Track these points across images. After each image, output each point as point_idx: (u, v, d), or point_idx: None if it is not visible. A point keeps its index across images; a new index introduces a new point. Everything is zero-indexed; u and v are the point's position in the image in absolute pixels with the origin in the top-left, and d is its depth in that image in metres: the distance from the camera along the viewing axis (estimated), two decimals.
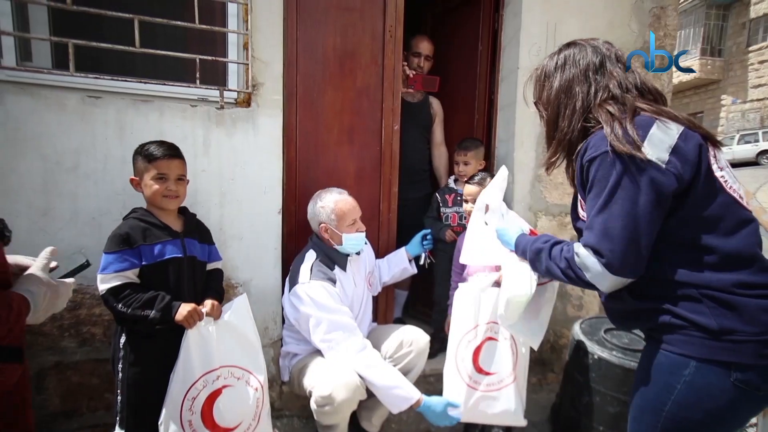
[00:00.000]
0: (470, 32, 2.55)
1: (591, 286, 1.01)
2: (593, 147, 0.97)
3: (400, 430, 2.01)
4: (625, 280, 0.96)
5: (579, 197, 1.09)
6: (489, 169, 2.50)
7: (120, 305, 1.36)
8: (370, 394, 1.81)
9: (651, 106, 0.99)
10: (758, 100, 14.79)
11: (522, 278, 1.30)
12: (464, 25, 2.61)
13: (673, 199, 0.92)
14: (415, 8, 2.75)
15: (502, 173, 1.57)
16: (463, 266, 1.94)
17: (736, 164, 12.50)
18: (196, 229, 1.61)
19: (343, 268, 1.81)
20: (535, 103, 1.19)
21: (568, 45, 1.13)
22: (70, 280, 1.09)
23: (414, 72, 2.42)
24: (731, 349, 0.90)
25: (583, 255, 0.99)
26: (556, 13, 2.24)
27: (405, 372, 1.79)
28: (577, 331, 1.94)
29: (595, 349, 1.79)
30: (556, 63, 1.11)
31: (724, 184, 0.95)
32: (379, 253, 2.25)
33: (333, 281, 1.73)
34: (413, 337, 1.80)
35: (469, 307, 1.70)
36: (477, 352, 1.70)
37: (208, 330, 1.46)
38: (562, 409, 1.98)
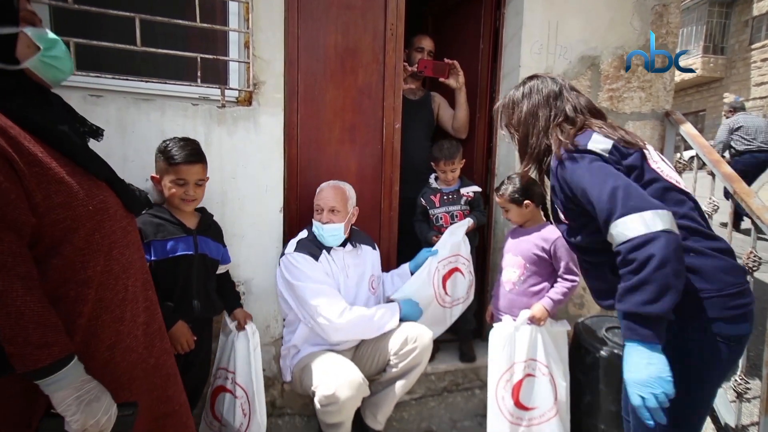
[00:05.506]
0: (471, 30, 2.54)
1: (652, 243, 0.96)
2: (557, 167, 1.17)
3: (402, 428, 2.01)
4: (655, 213, 0.98)
5: (556, 205, 1.27)
6: (491, 168, 2.49)
7: None
8: (374, 392, 1.81)
9: (597, 122, 1.20)
10: (761, 98, 14.72)
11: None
12: (465, 24, 2.61)
13: None
14: (416, 7, 2.75)
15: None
16: (501, 258, 1.98)
17: None
18: (211, 228, 1.63)
19: (329, 252, 1.85)
20: (506, 126, 1.37)
21: (531, 78, 1.33)
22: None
23: (416, 68, 2.40)
24: (702, 305, 1.03)
25: (619, 227, 1.00)
26: (558, 11, 2.23)
27: (409, 368, 1.79)
28: (578, 329, 1.94)
29: (597, 348, 1.79)
30: (523, 92, 1.30)
31: (660, 173, 1.13)
32: (380, 252, 2.25)
33: (315, 257, 1.79)
34: (417, 334, 1.80)
35: (504, 347, 1.75)
36: (516, 389, 1.74)
37: (254, 338, 1.69)
38: None
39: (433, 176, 2.29)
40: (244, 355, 1.65)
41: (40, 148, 0.89)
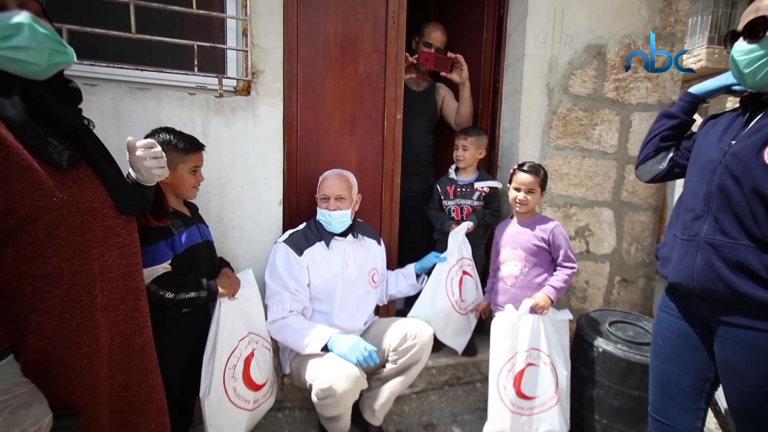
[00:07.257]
0: (475, 18, 2.49)
1: None
2: None
3: (402, 421, 2.01)
4: None
5: None
6: (494, 160, 2.46)
7: (167, 293, 1.38)
8: (373, 387, 1.80)
9: None
10: None
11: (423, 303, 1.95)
12: (469, 11, 2.55)
13: None
14: None
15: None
16: (497, 254, 1.96)
17: None
18: (200, 215, 1.66)
19: (327, 244, 1.83)
20: None
21: None
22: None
23: (417, 59, 2.35)
24: None
25: None
26: None
27: (408, 365, 1.77)
28: (581, 323, 1.92)
29: (600, 342, 1.77)
30: None
31: None
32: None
33: (300, 251, 1.78)
34: (417, 330, 1.78)
35: (507, 336, 1.74)
36: (518, 379, 1.73)
37: (236, 301, 1.57)
38: None
39: (452, 167, 2.27)
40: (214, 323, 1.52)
41: (12, 134, 0.81)
